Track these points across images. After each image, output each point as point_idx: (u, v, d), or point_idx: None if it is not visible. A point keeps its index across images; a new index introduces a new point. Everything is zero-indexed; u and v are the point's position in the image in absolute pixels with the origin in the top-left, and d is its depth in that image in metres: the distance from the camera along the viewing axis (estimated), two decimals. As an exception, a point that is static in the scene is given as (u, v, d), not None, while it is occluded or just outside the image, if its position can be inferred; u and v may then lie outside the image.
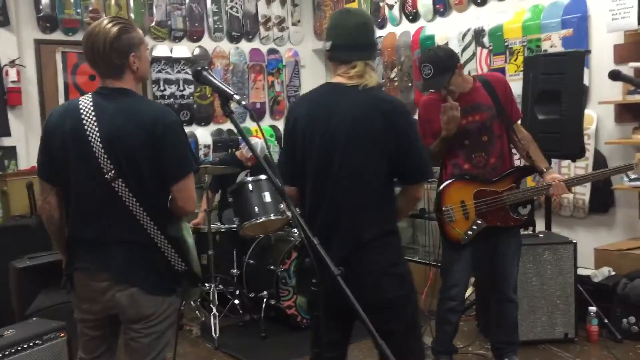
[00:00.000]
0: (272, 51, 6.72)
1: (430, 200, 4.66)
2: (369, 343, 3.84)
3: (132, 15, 5.78)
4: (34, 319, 3.35)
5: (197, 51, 6.23)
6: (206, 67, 1.99)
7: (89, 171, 2.08)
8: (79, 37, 5.46)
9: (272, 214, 4.38)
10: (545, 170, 3.17)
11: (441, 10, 5.54)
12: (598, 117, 4.47)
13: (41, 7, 5.34)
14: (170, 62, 6.03)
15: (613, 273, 4.06)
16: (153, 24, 5.95)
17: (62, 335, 3.16)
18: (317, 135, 2.21)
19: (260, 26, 6.66)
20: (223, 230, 4.77)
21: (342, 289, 1.56)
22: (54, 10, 5.39)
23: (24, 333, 3.07)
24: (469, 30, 5.27)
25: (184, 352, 4.15)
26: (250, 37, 6.60)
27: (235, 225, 4.55)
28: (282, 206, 4.38)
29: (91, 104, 2.11)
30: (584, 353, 3.79)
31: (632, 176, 4.20)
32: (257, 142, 4.86)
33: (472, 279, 4.75)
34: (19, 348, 3.02)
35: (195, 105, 6.23)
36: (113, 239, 2.12)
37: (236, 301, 4.54)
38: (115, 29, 2.09)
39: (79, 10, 5.50)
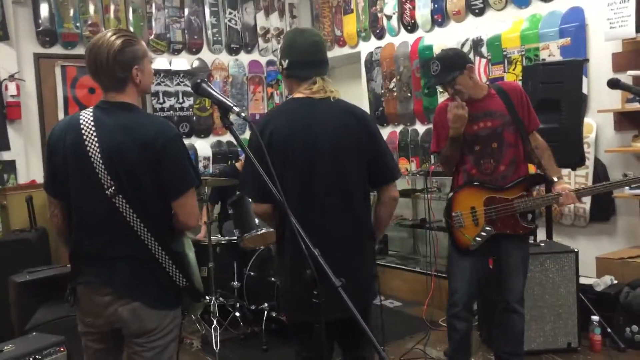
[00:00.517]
0: (271, 62, 6.75)
1: (430, 210, 4.66)
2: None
3: (131, 28, 5.80)
4: (34, 333, 3.34)
5: (196, 63, 6.25)
6: (205, 79, 1.99)
7: (89, 186, 2.08)
8: (78, 50, 5.49)
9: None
10: (556, 179, 3.16)
11: (439, 20, 5.56)
12: (597, 126, 4.48)
13: (40, 21, 5.36)
14: (169, 74, 6.05)
15: (615, 282, 4.05)
16: (152, 36, 5.98)
17: (62, 350, 3.15)
18: (299, 147, 2.26)
19: (259, 38, 6.69)
20: (223, 242, 4.76)
21: (343, 299, 1.55)
22: (53, 25, 5.41)
23: (23, 348, 3.05)
24: (467, 40, 5.29)
25: (184, 365, 4.14)
26: (249, 48, 6.63)
27: (235, 237, 4.53)
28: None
29: (92, 118, 2.11)
30: (587, 362, 3.78)
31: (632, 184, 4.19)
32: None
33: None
34: (19, 363, 3.01)
35: (194, 118, 6.24)
36: (114, 254, 2.10)
37: (237, 314, 4.52)
38: (119, 41, 2.09)
39: (78, 24, 5.53)
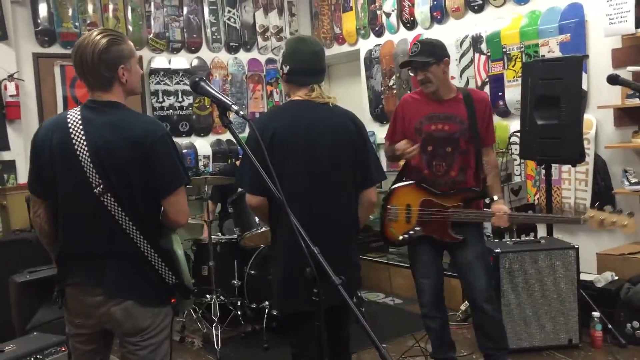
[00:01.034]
0: (270, 61, 6.74)
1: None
2: (372, 352, 3.83)
3: (130, 27, 5.80)
4: (35, 333, 3.34)
5: (195, 62, 6.24)
6: (204, 78, 1.99)
7: (77, 185, 2.06)
8: (77, 50, 5.47)
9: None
10: (496, 198, 3.19)
11: (438, 17, 5.55)
12: (597, 122, 4.47)
13: (39, 20, 5.36)
14: (168, 73, 6.04)
15: (616, 278, 4.05)
16: (151, 35, 5.97)
17: (63, 349, 3.14)
18: (301, 145, 2.40)
19: (258, 36, 6.68)
20: (224, 241, 4.76)
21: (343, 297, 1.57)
22: (52, 24, 5.40)
23: (24, 348, 3.05)
24: (466, 36, 5.29)
25: (186, 364, 4.14)
26: (249, 47, 6.62)
27: (235, 236, 4.53)
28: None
29: (79, 117, 2.10)
30: (588, 359, 3.77)
31: (633, 180, 4.20)
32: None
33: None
34: (20, 363, 3.01)
35: (194, 116, 6.23)
36: (103, 253, 2.09)
37: (238, 312, 4.52)
38: (104, 40, 2.08)
39: (77, 24, 5.52)
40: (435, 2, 5.55)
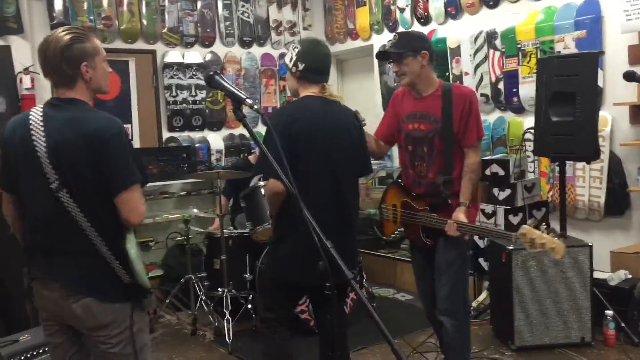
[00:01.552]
0: (283, 56, 6.72)
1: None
2: (384, 347, 3.83)
3: (144, 21, 5.82)
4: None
5: (208, 56, 6.25)
6: (218, 72, 2.00)
7: (37, 181, 2.08)
8: (92, 43, 5.50)
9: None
10: (460, 205, 2.96)
11: (453, 12, 5.52)
12: (613, 119, 4.43)
13: (54, 14, 5.39)
14: (182, 67, 6.05)
15: (629, 276, 4.02)
16: (165, 30, 5.98)
17: (76, 340, 3.17)
18: (321, 138, 2.67)
19: (271, 31, 6.68)
20: (235, 234, 4.77)
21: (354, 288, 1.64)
22: (67, 18, 5.43)
23: (38, 338, 3.09)
24: (481, 32, 5.25)
25: (198, 357, 4.17)
26: (262, 42, 6.62)
27: (247, 230, 4.55)
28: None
29: (40, 114, 2.12)
30: (601, 357, 3.75)
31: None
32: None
33: (487, 283, 4.73)
34: (34, 353, 3.05)
35: (207, 111, 6.25)
36: (61, 249, 2.10)
37: (249, 306, 4.54)
38: (67, 37, 2.09)
39: (92, 17, 5.55)
40: (449, -2, 5.52)
